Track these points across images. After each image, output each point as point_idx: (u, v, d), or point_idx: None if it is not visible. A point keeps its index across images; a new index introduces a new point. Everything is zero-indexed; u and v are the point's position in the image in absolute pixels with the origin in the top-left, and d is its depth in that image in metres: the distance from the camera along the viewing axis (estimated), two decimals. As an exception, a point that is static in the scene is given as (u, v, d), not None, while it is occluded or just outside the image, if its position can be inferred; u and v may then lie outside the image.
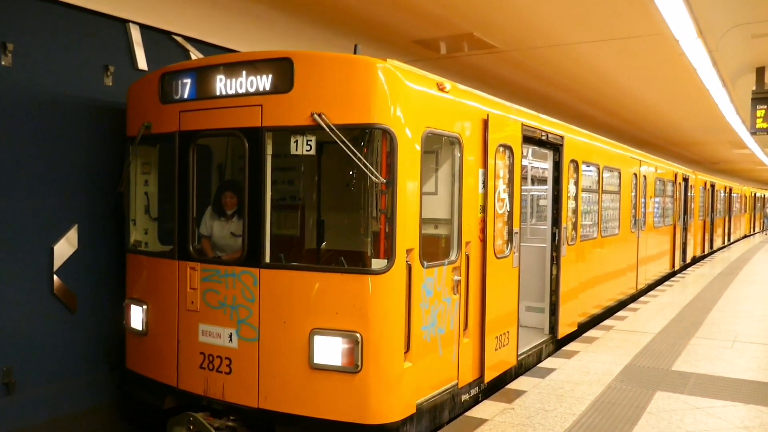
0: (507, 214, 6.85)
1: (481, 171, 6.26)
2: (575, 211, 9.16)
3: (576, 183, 9.17)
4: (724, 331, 9.70)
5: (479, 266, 6.27)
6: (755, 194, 43.70)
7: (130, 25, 6.81)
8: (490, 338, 6.46)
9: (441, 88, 5.66)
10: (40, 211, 6.04)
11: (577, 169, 9.16)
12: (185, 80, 5.76)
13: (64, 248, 6.21)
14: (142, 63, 6.87)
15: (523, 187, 7.87)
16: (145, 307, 6.06)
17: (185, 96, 5.77)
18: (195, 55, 7.49)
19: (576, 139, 9.32)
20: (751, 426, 5.70)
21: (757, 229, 42.90)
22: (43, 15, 6.04)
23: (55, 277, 6.13)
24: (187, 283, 5.70)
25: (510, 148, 6.87)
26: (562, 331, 8.75)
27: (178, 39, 7.40)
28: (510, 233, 6.91)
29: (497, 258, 6.56)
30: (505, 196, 6.78)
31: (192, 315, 5.66)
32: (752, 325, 10.18)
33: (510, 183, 6.90)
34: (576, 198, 9.17)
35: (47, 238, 6.10)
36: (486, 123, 6.31)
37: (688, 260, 19.19)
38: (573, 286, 9.11)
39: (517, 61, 11.24)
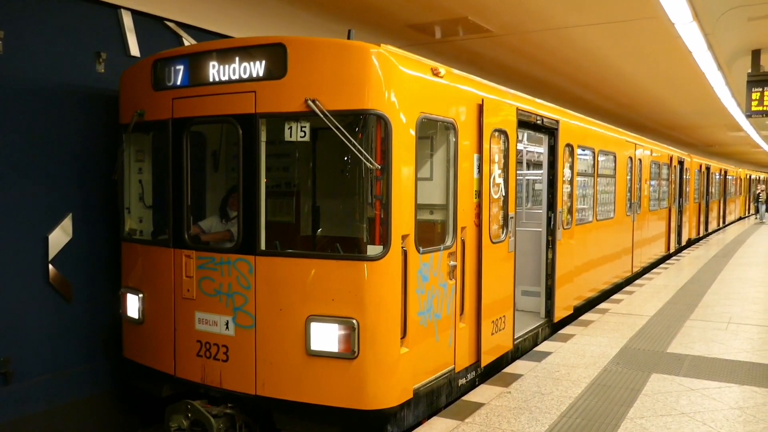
0: (502, 198, 6.85)
1: (476, 156, 6.25)
2: (570, 195, 9.17)
3: (571, 167, 9.17)
4: (718, 313, 9.75)
5: (475, 251, 6.27)
6: (750, 176, 43.79)
7: (122, 11, 6.74)
8: (487, 323, 6.48)
9: (435, 73, 5.63)
10: (34, 200, 6.00)
11: (572, 153, 9.15)
12: (178, 67, 5.72)
13: (59, 237, 6.18)
14: (134, 49, 6.81)
15: (518, 172, 7.87)
16: (141, 295, 6.05)
17: (178, 83, 5.73)
18: (188, 41, 7.42)
19: (571, 123, 9.30)
20: (745, 406, 5.74)
21: (751, 211, 43.02)
22: (34, 1, 5.97)
23: (50, 266, 6.11)
24: (183, 271, 5.69)
25: (505, 133, 6.85)
26: (558, 314, 8.78)
27: (171, 25, 7.33)
28: (505, 218, 6.92)
29: (493, 243, 6.56)
30: (500, 180, 6.78)
31: (188, 303, 5.66)
32: (746, 307, 10.23)
33: (505, 168, 6.89)
34: (571, 182, 9.18)
35: (42, 228, 6.07)
36: (481, 108, 6.29)
37: (684, 243, 19.25)
38: (568, 270, 9.13)
39: (512, 45, 11.18)
